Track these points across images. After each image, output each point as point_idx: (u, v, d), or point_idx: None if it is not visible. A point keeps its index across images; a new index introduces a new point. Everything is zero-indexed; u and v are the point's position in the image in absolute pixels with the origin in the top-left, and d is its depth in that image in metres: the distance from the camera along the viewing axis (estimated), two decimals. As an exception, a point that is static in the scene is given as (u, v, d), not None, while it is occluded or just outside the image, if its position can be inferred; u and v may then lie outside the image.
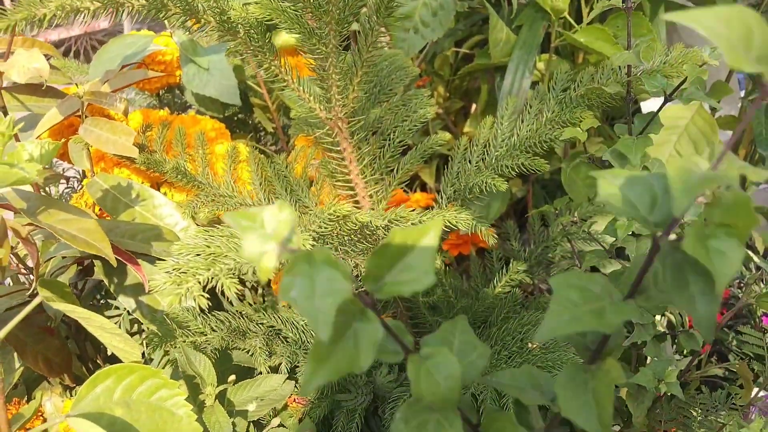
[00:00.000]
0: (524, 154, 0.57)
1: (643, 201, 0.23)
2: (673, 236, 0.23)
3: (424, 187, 1.19)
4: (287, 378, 0.63)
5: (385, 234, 0.56)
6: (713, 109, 1.20)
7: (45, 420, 0.91)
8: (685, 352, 0.66)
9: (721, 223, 0.21)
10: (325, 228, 0.44)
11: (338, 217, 0.44)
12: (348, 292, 0.21)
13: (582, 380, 0.24)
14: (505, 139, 0.62)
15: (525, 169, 0.58)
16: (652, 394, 0.57)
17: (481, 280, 0.81)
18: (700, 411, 0.57)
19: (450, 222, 0.53)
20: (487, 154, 0.62)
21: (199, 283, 0.37)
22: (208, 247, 0.40)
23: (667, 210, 0.23)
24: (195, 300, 0.39)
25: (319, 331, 0.20)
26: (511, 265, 0.74)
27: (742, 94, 1.20)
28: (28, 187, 0.69)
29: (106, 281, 0.69)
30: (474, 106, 1.19)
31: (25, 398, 0.90)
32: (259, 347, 0.60)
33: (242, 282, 0.88)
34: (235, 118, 1.20)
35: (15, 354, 0.80)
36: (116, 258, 0.61)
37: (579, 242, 0.72)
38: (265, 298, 0.84)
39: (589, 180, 0.92)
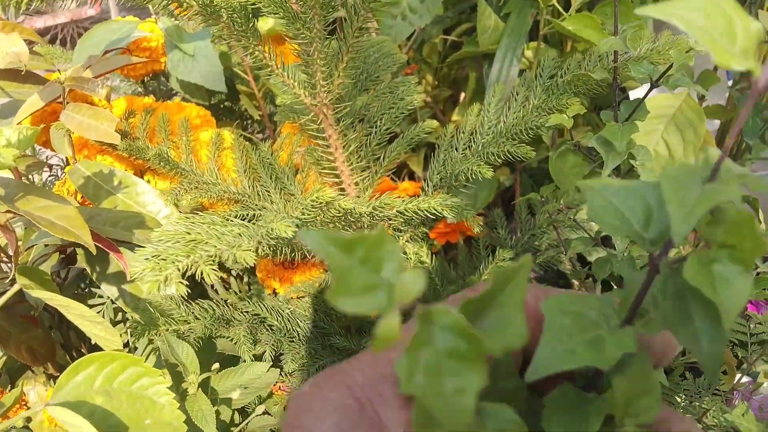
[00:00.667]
0: (510, 141, 0.57)
1: (636, 215, 0.21)
2: (673, 251, 0.21)
3: (412, 176, 1.19)
4: (271, 366, 0.63)
5: (370, 221, 0.56)
6: (701, 98, 1.20)
7: (29, 408, 0.91)
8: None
9: (724, 244, 0.19)
10: (308, 214, 0.44)
11: (321, 203, 0.43)
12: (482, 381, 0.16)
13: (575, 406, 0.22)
14: (492, 126, 0.61)
15: (511, 157, 0.57)
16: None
17: (468, 267, 0.80)
18: (684, 397, 0.57)
19: (436, 209, 0.53)
20: (474, 141, 0.62)
21: (179, 270, 0.36)
22: (189, 233, 0.39)
23: (663, 227, 0.20)
24: (176, 288, 0.38)
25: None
26: (497, 252, 0.73)
27: (730, 83, 1.20)
28: (8, 174, 0.68)
29: (88, 269, 0.68)
30: (463, 94, 1.18)
31: (9, 387, 0.89)
32: (243, 335, 0.60)
33: (227, 270, 0.87)
34: (222, 106, 1.19)
35: (-2, 343, 0.80)
36: (97, 246, 0.61)
37: (566, 230, 0.72)
38: (251, 287, 0.84)
39: (576, 168, 0.92)
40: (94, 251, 0.48)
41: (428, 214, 0.54)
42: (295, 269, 0.73)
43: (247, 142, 0.73)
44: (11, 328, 0.77)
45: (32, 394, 0.90)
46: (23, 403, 0.91)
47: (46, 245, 0.78)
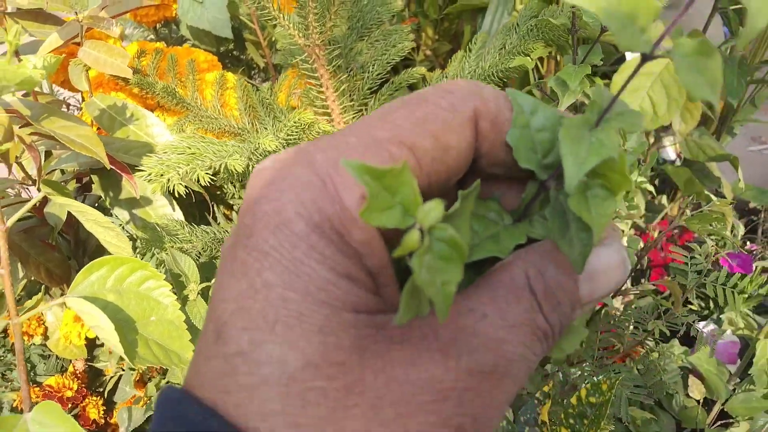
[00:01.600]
0: (486, 82, 0.62)
1: (543, 148, 0.24)
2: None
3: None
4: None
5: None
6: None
7: (47, 328, 0.99)
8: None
9: (598, 174, 0.23)
10: (292, 135, 0.50)
11: (303, 125, 0.49)
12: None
13: None
14: (471, 71, 0.67)
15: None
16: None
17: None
18: (632, 321, 0.63)
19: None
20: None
21: (179, 174, 0.43)
22: (189, 148, 0.46)
23: (557, 160, 0.24)
24: (177, 208, 0.44)
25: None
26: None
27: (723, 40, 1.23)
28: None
29: (102, 195, 0.75)
30: (461, 50, 1.23)
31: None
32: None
33: (230, 206, 0.94)
34: (229, 55, 1.24)
35: (19, 264, 0.87)
36: (111, 170, 0.67)
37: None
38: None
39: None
40: (108, 166, 0.55)
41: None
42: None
43: (249, 84, 0.79)
44: (30, 249, 0.85)
45: (50, 315, 0.98)
46: (41, 323, 0.99)
47: (63, 172, 0.85)
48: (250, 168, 0.51)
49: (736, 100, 1.12)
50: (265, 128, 0.74)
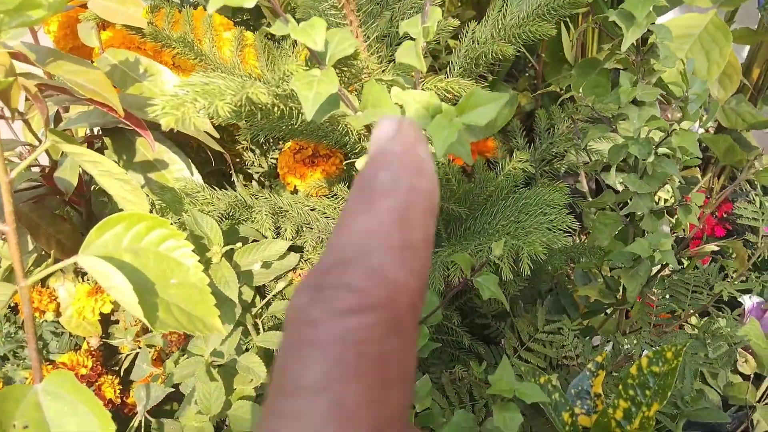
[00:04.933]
0: (532, 23, 0.57)
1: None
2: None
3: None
4: (292, 250, 0.65)
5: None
6: (730, 21, 1.18)
7: (59, 304, 0.95)
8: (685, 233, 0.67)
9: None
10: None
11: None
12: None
13: None
14: (514, 15, 0.61)
15: (533, 37, 0.57)
16: (647, 267, 0.58)
17: (485, 174, 0.82)
18: (692, 286, 0.58)
19: (453, 88, 0.54)
20: (496, 26, 0.62)
21: (196, 108, 0.38)
22: (207, 84, 0.41)
23: None
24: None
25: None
26: (514, 154, 0.74)
27: (761, 3, 1.17)
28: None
29: (116, 158, 0.71)
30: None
31: (39, 284, 0.93)
32: (266, 214, 0.62)
33: (249, 176, 0.89)
34: (245, 25, 1.19)
35: (29, 236, 0.83)
36: (125, 131, 0.62)
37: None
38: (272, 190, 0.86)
39: (598, 89, 0.92)
40: (122, 114, 0.50)
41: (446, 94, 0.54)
42: (316, 166, 0.75)
43: (269, 41, 0.74)
44: (40, 220, 0.80)
45: (62, 291, 0.93)
46: (53, 298, 0.95)
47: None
48: (278, 104, 0.46)
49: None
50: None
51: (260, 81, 0.65)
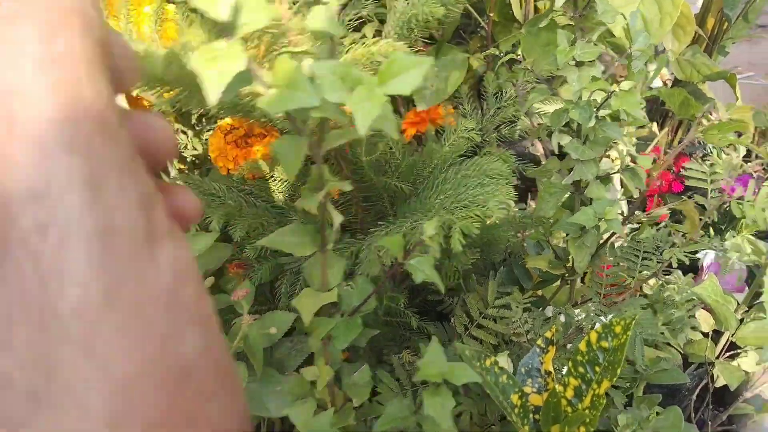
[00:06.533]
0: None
1: None
2: None
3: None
4: (224, 241, 0.61)
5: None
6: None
7: None
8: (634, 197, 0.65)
9: None
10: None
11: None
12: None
13: None
14: None
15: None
16: (593, 236, 0.56)
17: (430, 145, 0.78)
18: (642, 252, 0.56)
19: (388, 52, 0.50)
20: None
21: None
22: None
23: None
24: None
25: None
26: (459, 122, 0.71)
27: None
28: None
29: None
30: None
31: None
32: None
33: (183, 159, 0.84)
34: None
35: None
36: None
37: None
38: (209, 173, 0.81)
39: (548, 47, 0.89)
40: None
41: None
42: (249, 148, 0.71)
43: (192, 13, 0.69)
44: None
45: None
46: None
47: None
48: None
49: (734, 11, 1.03)
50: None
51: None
